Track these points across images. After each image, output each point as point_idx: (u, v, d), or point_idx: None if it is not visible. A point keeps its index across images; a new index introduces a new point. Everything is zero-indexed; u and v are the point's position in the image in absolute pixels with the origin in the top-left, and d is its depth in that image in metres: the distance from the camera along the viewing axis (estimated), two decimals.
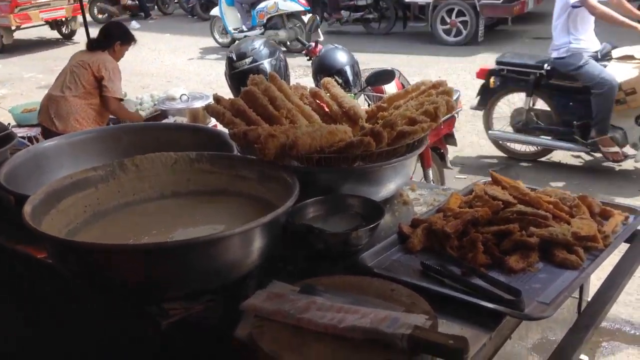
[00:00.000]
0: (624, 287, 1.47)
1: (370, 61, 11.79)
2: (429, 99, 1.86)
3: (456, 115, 5.15)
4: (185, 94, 4.85)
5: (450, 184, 6.18)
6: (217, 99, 1.91)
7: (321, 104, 2.11)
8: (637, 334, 3.81)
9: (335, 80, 4.72)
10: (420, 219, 1.67)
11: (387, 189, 1.86)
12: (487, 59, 11.29)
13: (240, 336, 1.18)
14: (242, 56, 3.95)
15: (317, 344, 1.13)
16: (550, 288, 1.37)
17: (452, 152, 7.02)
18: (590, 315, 1.36)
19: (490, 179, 1.83)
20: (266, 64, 3.96)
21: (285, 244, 1.60)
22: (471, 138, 7.91)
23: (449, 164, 5.37)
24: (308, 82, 5.33)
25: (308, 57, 5.09)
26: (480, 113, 7.06)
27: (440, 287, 1.39)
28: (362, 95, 4.59)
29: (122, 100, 4.63)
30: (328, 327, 1.15)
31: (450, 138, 5.29)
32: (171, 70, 11.46)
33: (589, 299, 1.50)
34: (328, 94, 2.10)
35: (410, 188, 2.03)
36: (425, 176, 4.91)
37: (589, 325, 1.31)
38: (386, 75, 4.01)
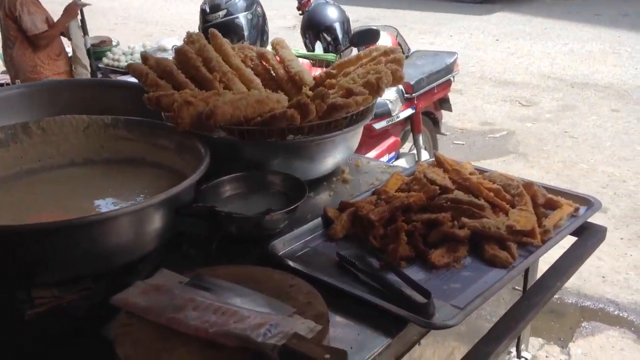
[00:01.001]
0: (560, 286, 1.32)
1: (383, 17, 11.43)
2: (375, 68, 1.68)
3: (452, 79, 4.93)
4: (176, 45, 4.66)
5: (447, 151, 6.00)
6: (145, 56, 1.75)
7: (267, 67, 1.94)
8: (621, 314, 3.68)
9: (324, 39, 4.54)
10: (349, 202, 1.52)
11: (325, 165, 1.71)
12: (503, 19, 10.90)
13: (107, 335, 1.07)
14: (215, 8, 3.71)
15: (182, 350, 1.01)
16: (470, 289, 1.23)
17: (453, 116, 6.81)
18: (512, 317, 1.22)
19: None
20: (242, 18, 3.73)
21: (198, 224, 1.47)
22: (475, 102, 7.67)
23: (442, 130, 5.18)
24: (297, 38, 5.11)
25: (300, 12, 4.86)
26: (484, 77, 6.80)
27: (348, 283, 1.26)
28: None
29: (43, 34, 4.25)
30: (199, 330, 1.03)
31: (444, 103, 5.09)
32: (176, 20, 11.21)
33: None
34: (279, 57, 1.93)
35: (355, 164, 1.88)
36: (415, 142, 4.74)
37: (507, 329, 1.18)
38: (370, 35, 3.79)
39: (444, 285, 1.26)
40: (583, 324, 3.62)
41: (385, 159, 4.44)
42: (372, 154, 4.34)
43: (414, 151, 4.76)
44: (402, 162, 4.50)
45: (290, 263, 1.31)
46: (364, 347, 1.09)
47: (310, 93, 1.73)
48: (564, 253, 1.39)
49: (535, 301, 1.27)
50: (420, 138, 4.68)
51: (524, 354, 1.66)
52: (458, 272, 1.31)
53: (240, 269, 1.26)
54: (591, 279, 3.92)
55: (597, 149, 5.97)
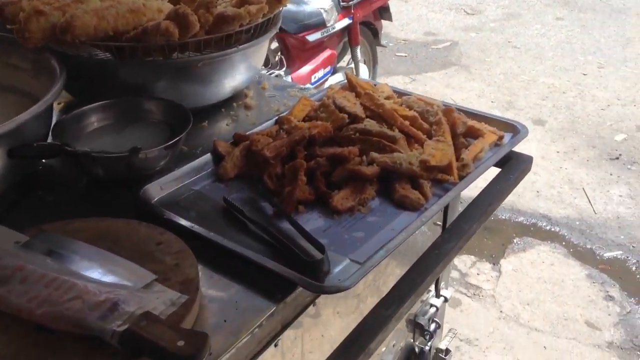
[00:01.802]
0: (478, 226, 1.16)
1: None
2: None
3: None
4: None
5: (388, 63, 5.76)
6: None
7: None
8: (553, 229, 3.66)
9: None
10: (243, 135, 1.30)
11: (221, 89, 1.46)
12: None
13: None
14: None
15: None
16: (374, 239, 1.06)
17: (396, 26, 6.52)
18: (427, 260, 1.05)
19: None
20: None
21: (64, 165, 1.23)
22: (420, 11, 7.37)
23: (382, 42, 4.91)
24: None
25: None
26: None
27: (234, 235, 1.06)
28: None
29: None
30: (22, 310, 0.82)
31: (385, 12, 4.79)
32: None
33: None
34: None
35: (261, 86, 1.64)
36: (353, 55, 4.48)
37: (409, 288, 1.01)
38: None
39: (345, 234, 1.08)
40: (515, 240, 3.60)
41: (320, 74, 4.18)
42: (306, 68, 4.08)
43: (352, 65, 4.51)
44: (338, 78, 4.26)
45: (165, 212, 1.10)
46: (242, 317, 0.91)
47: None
48: (484, 188, 1.23)
49: (450, 246, 1.10)
50: (359, 50, 4.42)
51: (443, 292, 1.53)
52: (363, 218, 1.12)
53: (99, 223, 1.04)
54: (526, 194, 3.88)
55: (539, 60, 5.84)
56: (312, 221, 1.11)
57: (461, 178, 1.19)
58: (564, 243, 3.51)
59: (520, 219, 3.75)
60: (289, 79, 3.66)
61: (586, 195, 3.84)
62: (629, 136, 4.49)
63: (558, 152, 4.29)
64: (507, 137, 1.34)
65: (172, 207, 1.13)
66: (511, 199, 3.85)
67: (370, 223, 1.11)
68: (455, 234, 1.10)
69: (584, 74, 5.52)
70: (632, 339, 2.85)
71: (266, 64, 3.93)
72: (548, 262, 3.38)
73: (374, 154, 1.19)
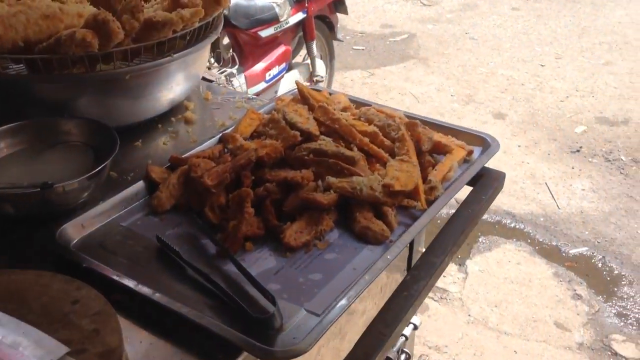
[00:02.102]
0: (449, 259, 1.03)
1: None
2: None
3: None
4: None
5: (345, 57, 5.62)
6: None
7: None
8: (517, 227, 3.59)
9: None
10: (181, 158, 1.13)
11: (156, 102, 1.29)
12: None
13: None
14: None
15: None
16: (334, 283, 0.91)
17: (353, 19, 6.39)
18: (390, 310, 0.91)
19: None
20: None
21: None
22: (376, 2, 7.25)
23: (338, 35, 4.76)
24: None
25: None
26: None
27: (169, 283, 0.90)
28: None
29: None
30: None
31: (340, 5, 4.63)
32: None
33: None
34: None
35: (204, 96, 1.47)
36: (309, 50, 4.32)
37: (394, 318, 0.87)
38: None
39: (300, 276, 0.93)
40: (480, 239, 3.51)
41: (275, 71, 4.00)
42: (259, 66, 3.89)
43: (308, 61, 4.34)
44: (294, 75, 4.09)
45: (84, 259, 0.93)
46: None
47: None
48: (455, 213, 1.09)
49: (421, 285, 0.96)
50: (314, 45, 4.25)
51: (412, 319, 1.40)
52: (320, 255, 0.98)
53: (3, 277, 0.86)
54: None
55: (496, 51, 5.79)
56: (262, 261, 0.96)
57: (429, 203, 1.06)
58: (529, 240, 3.44)
59: (485, 216, 3.66)
60: (242, 77, 3.48)
61: (549, 190, 3.79)
62: (588, 128, 4.47)
63: (519, 146, 4.23)
64: (476, 151, 1.21)
65: (94, 251, 0.96)
66: None
67: (328, 262, 0.96)
68: (425, 271, 0.97)
69: (542, 65, 5.48)
70: (601, 338, 2.79)
71: (218, 61, 3.74)
72: (514, 262, 3.30)
73: (331, 179, 1.04)
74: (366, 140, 1.13)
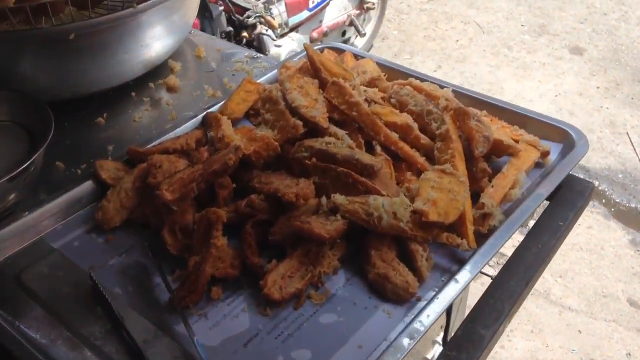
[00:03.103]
0: (507, 323, 0.71)
1: None
2: None
3: None
4: None
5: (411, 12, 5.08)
6: None
7: None
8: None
9: None
10: (142, 151, 0.84)
11: (125, 65, 0.99)
12: None
13: None
14: None
15: None
16: None
17: None
18: None
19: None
20: None
21: None
22: None
23: None
24: None
25: None
26: None
27: (96, 352, 0.63)
28: None
29: None
30: None
31: None
32: None
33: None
34: None
35: (196, 54, 1.15)
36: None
37: None
38: None
39: (280, 353, 0.64)
40: None
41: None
42: None
43: None
44: (341, 2, 3.57)
45: None
46: None
47: None
48: (514, 254, 0.77)
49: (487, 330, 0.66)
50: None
51: None
52: (315, 315, 0.68)
53: None
54: None
55: None
56: (230, 320, 0.68)
57: (482, 237, 0.73)
58: (604, 201, 3.03)
59: None
60: (282, 4, 3.07)
61: (631, 141, 3.31)
62: None
63: (598, 87, 3.72)
64: (554, 148, 0.86)
65: (7, 290, 0.70)
66: None
67: (324, 329, 0.66)
68: (467, 350, 0.65)
69: None
70: None
71: None
72: (585, 225, 2.91)
73: (338, 198, 0.73)
74: (395, 136, 0.80)
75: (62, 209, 0.79)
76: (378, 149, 0.80)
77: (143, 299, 0.70)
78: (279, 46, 2.78)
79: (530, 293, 2.60)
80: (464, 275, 0.69)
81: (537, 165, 0.85)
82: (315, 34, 3.12)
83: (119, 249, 0.76)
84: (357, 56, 1.05)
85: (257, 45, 2.76)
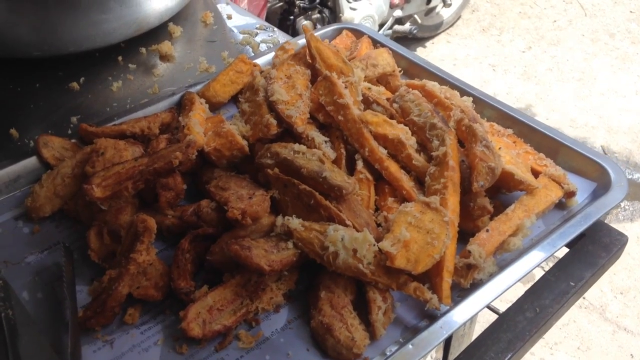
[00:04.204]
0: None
1: None
2: None
3: None
4: None
5: None
6: None
7: None
8: None
9: None
10: (95, 131, 0.73)
11: (112, 22, 0.87)
12: None
13: None
14: None
15: None
16: None
17: None
18: None
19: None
20: None
21: None
22: None
23: None
24: None
25: None
26: None
27: None
28: None
29: None
30: None
31: None
32: None
33: None
34: None
35: (202, 19, 1.03)
36: None
37: None
38: None
39: None
40: (623, 204, 2.84)
41: None
42: None
43: None
44: None
45: None
46: None
47: None
48: (505, 312, 0.61)
49: None
50: None
51: None
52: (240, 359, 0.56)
53: None
54: None
55: None
56: (137, 354, 0.57)
57: (460, 294, 0.58)
58: None
59: (637, 175, 2.93)
60: None
61: None
62: None
63: None
64: (585, 187, 0.69)
65: None
66: (621, 143, 3.02)
67: None
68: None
69: None
70: None
71: None
72: None
73: (292, 222, 0.59)
74: (382, 153, 0.65)
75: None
76: (360, 164, 0.66)
77: (49, 311, 0.60)
78: (354, 9, 2.58)
79: (584, 306, 2.36)
80: (423, 342, 0.55)
81: (560, 205, 0.68)
82: (396, 0, 2.88)
83: (43, 244, 0.66)
84: (377, 44, 0.90)
85: (332, 5, 2.58)
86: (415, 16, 3.02)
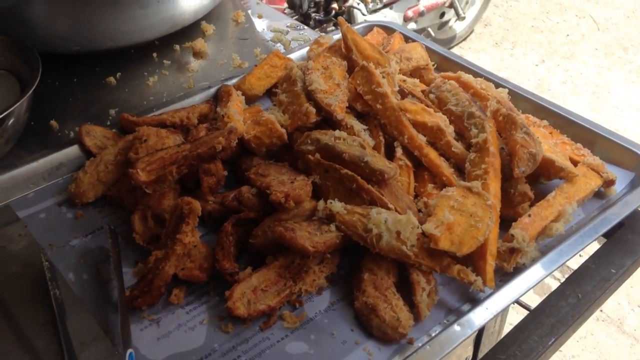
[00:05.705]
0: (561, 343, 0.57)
1: None
2: None
3: None
4: None
5: None
6: None
7: None
8: None
9: None
10: (136, 120, 0.74)
11: (148, 19, 0.89)
12: None
13: None
14: None
15: None
16: None
17: None
18: None
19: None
20: None
21: None
22: None
23: None
24: None
25: None
26: None
27: None
28: None
29: None
30: None
31: None
32: None
33: None
34: None
35: (233, 16, 1.04)
36: None
37: None
38: None
39: None
40: None
41: None
42: None
43: None
44: None
45: None
46: None
47: None
48: (547, 297, 0.62)
49: None
50: None
51: None
52: (282, 342, 0.57)
53: None
54: None
55: None
56: (184, 332, 0.57)
57: (503, 277, 0.59)
58: None
59: None
60: None
61: None
62: None
63: None
64: (624, 177, 0.70)
65: None
66: None
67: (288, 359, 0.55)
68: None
69: None
70: None
71: None
72: None
73: (335, 205, 0.60)
74: (421, 140, 0.66)
75: (37, 174, 0.71)
76: (399, 152, 0.67)
77: (95, 292, 0.60)
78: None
79: (602, 319, 2.33)
80: (469, 321, 0.55)
81: (598, 195, 0.69)
82: (410, 13, 2.89)
83: (86, 228, 0.67)
84: (408, 39, 0.91)
85: (347, 18, 2.61)
86: (429, 29, 3.04)
